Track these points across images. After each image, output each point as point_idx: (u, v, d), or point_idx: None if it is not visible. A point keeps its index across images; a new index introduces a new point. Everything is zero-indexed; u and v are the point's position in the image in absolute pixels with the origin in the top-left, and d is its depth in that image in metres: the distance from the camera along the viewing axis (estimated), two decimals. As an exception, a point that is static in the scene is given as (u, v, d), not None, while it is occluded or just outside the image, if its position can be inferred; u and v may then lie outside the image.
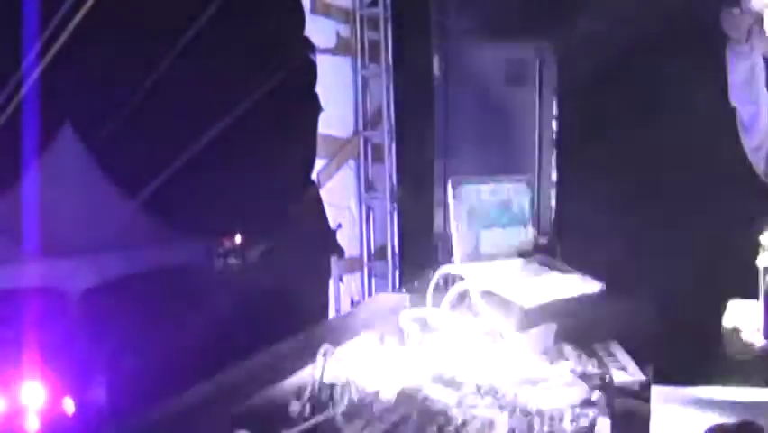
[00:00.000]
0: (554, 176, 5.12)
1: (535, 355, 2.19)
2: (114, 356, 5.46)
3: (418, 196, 6.08)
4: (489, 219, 2.87)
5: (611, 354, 2.26)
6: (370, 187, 6.47)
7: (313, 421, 1.76)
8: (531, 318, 2.42)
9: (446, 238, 4.19)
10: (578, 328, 2.37)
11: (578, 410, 1.73)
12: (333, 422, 1.74)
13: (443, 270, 2.68)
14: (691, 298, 4.19)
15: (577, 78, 5.22)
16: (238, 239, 7.58)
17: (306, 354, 1.99)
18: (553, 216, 5.07)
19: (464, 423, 1.68)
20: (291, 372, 1.97)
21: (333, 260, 6.13)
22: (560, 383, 1.86)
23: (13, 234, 5.48)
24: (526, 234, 2.97)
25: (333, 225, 6.15)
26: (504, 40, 5.36)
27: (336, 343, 2.03)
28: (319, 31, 5.95)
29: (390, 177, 6.46)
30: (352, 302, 6.20)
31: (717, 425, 1.97)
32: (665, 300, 4.30)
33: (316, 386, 1.86)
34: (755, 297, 3.08)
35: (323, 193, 6.10)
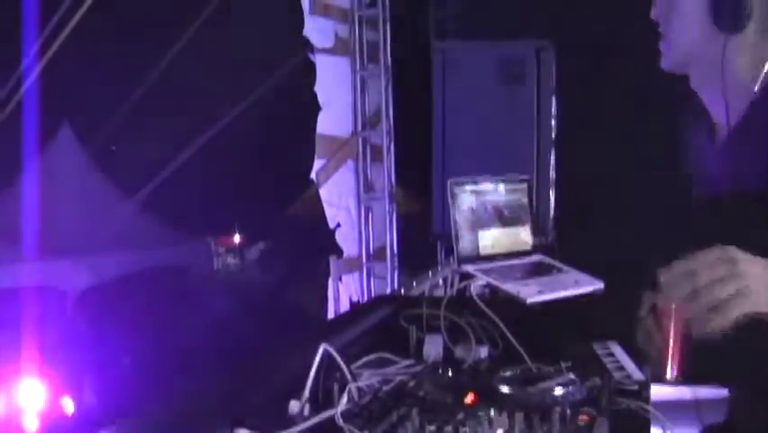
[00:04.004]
0: (554, 176, 5.11)
1: (535, 354, 2.19)
2: (112, 356, 5.45)
3: (417, 196, 6.08)
4: (489, 219, 2.87)
5: (611, 354, 2.25)
6: (368, 187, 6.47)
7: (312, 422, 1.76)
8: (530, 317, 2.42)
9: (445, 238, 4.18)
10: (577, 328, 2.37)
11: (577, 410, 1.73)
12: (333, 422, 1.74)
13: (443, 270, 2.68)
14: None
15: (576, 78, 5.23)
16: (237, 239, 7.58)
17: (305, 354, 1.99)
18: (552, 216, 5.07)
19: (464, 423, 1.67)
20: (290, 371, 1.97)
21: (332, 260, 6.14)
22: (559, 383, 1.86)
23: (12, 234, 5.47)
24: (526, 234, 2.97)
25: (331, 225, 6.16)
26: (503, 39, 5.36)
27: (335, 343, 2.02)
28: (318, 31, 5.96)
29: (389, 177, 6.47)
30: (351, 302, 6.21)
31: (714, 424, 1.97)
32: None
33: (315, 386, 1.86)
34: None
35: (321, 193, 6.10)
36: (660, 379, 2.05)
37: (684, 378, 1.98)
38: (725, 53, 1.68)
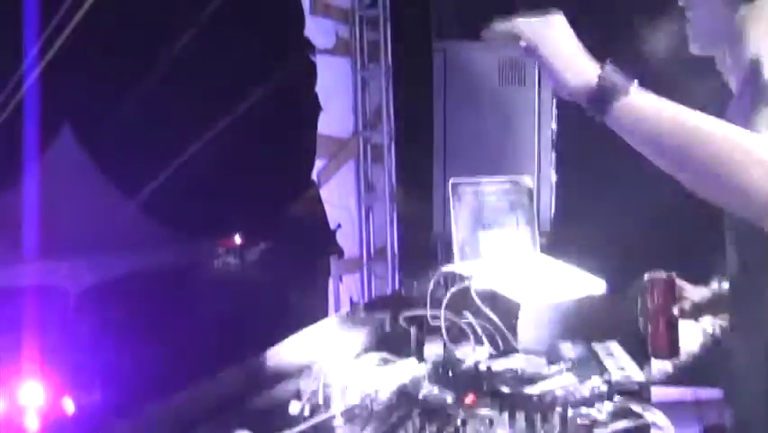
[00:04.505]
0: (554, 176, 5.10)
1: (535, 355, 2.19)
2: (113, 356, 5.45)
3: (418, 196, 6.08)
4: (489, 219, 2.88)
5: (611, 354, 2.25)
6: (369, 187, 6.47)
7: (313, 421, 1.76)
8: (531, 317, 2.42)
9: (446, 238, 4.17)
10: (578, 328, 2.37)
11: (577, 410, 1.73)
12: (333, 422, 1.74)
13: (443, 270, 2.68)
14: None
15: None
16: (238, 239, 7.58)
17: (306, 354, 1.99)
18: (553, 216, 5.06)
19: (464, 423, 1.67)
20: (291, 372, 1.97)
21: (333, 260, 6.13)
22: (559, 383, 1.86)
23: (13, 234, 5.48)
24: (526, 235, 2.97)
25: (332, 225, 6.16)
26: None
27: (335, 343, 2.03)
28: (318, 31, 5.95)
29: (390, 177, 6.46)
30: (352, 302, 6.20)
31: (715, 424, 1.98)
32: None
33: (316, 386, 1.86)
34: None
35: (322, 193, 6.10)
36: (658, 357, 2.08)
37: (677, 355, 2.00)
38: (737, 27, 1.65)
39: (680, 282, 2.05)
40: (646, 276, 2.09)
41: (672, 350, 2.02)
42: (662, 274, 2.06)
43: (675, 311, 2.01)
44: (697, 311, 2.05)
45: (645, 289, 2.07)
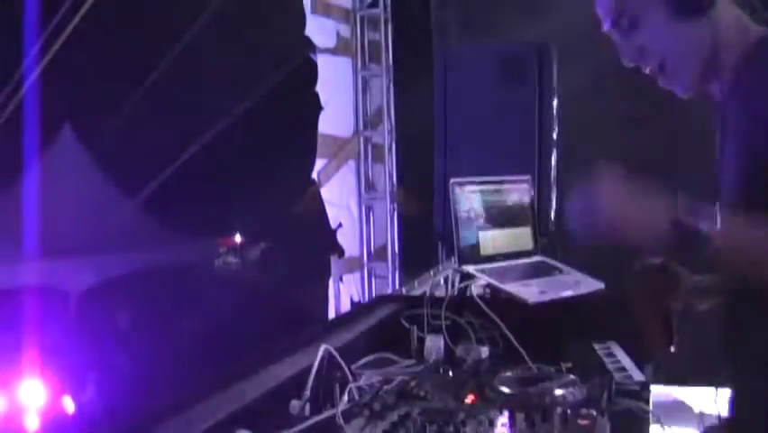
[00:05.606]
0: (554, 176, 5.11)
1: (535, 355, 2.19)
2: (113, 356, 5.45)
3: (418, 196, 6.08)
4: (490, 220, 2.88)
5: (611, 354, 2.26)
6: (370, 187, 6.48)
7: (313, 421, 1.76)
8: (531, 317, 2.42)
9: (447, 238, 4.18)
10: (578, 328, 2.37)
11: (578, 410, 1.73)
12: (333, 422, 1.74)
13: (444, 270, 2.69)
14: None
15: (577, 78, 5.22)
16: (238, 238, 7.58)
17: (306, 354, 1.99)
18: (553, 216, 5.06)
19: (464, 423, 1.67)
20: (291, 371, 1.97)
21: (333, 259, 6.14)
22: (560, 383, 1.86)
23: (13, 234, 5.48)
24: (527, 235, 2.98)
25: (333, 224, 6.16)
26: (504, 39, 5.36)
27: (336, 342, 2.03)
28: (319, 31, 5.96)
29: (390, 177, 6.47)
30: (352, 302, 6.21)
31: (715, 424, 1.97)
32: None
33: (316, 386, 1.86)
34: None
35: (323, 193, 6.11)
36: (655, 349, 2.05)
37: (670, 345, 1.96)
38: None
39: (677, 270, 1.97)
40: (638, 263, 2.03)
41: (665, 340, 1.96)
42: (654, 261, 1.99)
43: (670, 300, 1.95)
44: (694, 300, 1.99)
45: (638, 277, 2.01)
